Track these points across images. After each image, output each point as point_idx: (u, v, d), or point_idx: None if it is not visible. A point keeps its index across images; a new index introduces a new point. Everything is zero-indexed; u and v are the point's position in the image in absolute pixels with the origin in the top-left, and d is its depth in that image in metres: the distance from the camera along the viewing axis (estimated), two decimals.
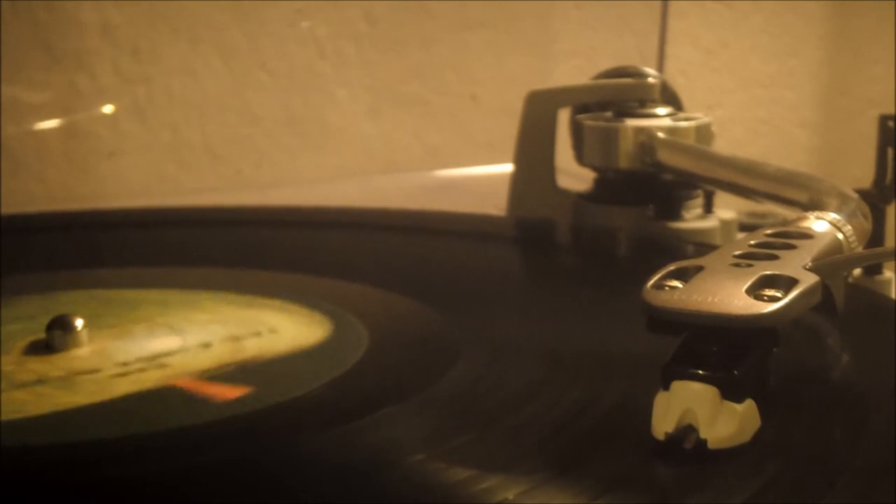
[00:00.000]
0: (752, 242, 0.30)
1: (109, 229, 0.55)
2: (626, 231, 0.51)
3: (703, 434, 0.25)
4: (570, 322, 0.38)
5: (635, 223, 0.51)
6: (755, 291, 0.27)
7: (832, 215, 0.33)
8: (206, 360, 0.34)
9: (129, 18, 0.70)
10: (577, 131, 0.53)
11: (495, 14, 0.81)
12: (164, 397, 0.31)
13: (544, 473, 0.25)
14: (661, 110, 0.51)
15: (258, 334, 0.36)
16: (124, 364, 0.34)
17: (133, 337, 0.36)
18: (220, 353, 0.35)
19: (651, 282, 0.27)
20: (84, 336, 0.35)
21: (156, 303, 0.40)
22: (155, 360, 0.34)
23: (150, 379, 0.33)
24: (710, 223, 0.51)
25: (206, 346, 0.35)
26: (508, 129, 0.55)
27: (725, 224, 0.51)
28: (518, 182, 0.55)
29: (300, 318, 0.38)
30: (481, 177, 0.77)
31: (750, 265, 0.28)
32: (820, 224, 0.32)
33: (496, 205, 0.56)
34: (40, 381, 0.33)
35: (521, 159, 0.55)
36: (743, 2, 0.93)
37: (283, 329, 0.37)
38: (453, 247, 0.50)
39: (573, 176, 0.55)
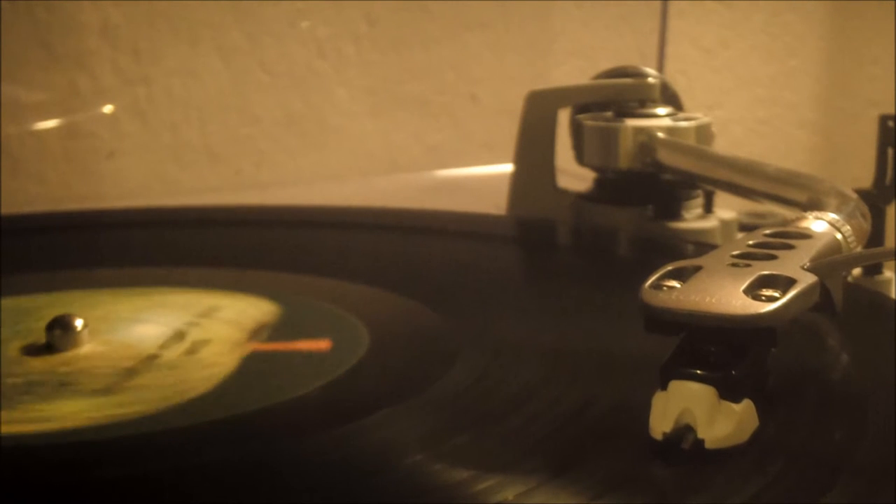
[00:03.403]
0: (750, 242, 0.30)
1: (109, 229, 0.55)
2: (626, 231, 0.51)
3: (700, 434, 0.25)
4: (570, 322, 0.38)
5: (635, 223, 0.51)
6: (753, 291, 0.27)
7: (831, 215, 0.33)
8: None
9: (129, 18, 0.70)
10: (577, 131, 0.53)
11: (495, 14, 0.81)
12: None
13: (543, 474, 0.25)
14: (661, 110, 0.51)
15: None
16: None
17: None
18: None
19: (649, 282, 0.27)
20: (84, 336, 0.35)
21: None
22: None
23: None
24: (709, 223, 0.51)
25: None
26: (508, 129, 0.55)
27: (725, 224, 0.51)
28: (518, 182, 0.55)
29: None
30: (481, 177, 0.77)
31: (748, 265, 0.28)
32: (819, 224, 0.32)
33: (496, 205, 0.56)
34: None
35: (521, 159, 0.55)
36: (743, 2, 0.93)
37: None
38: (453, 247, 0.50)
39: (573, 176, 0.55)
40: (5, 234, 0.51)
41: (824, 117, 0.99)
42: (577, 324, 0.38)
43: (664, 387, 0.26)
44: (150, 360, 0.34)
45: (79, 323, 0.35)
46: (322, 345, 0.35)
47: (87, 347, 0.35)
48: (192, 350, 0.35)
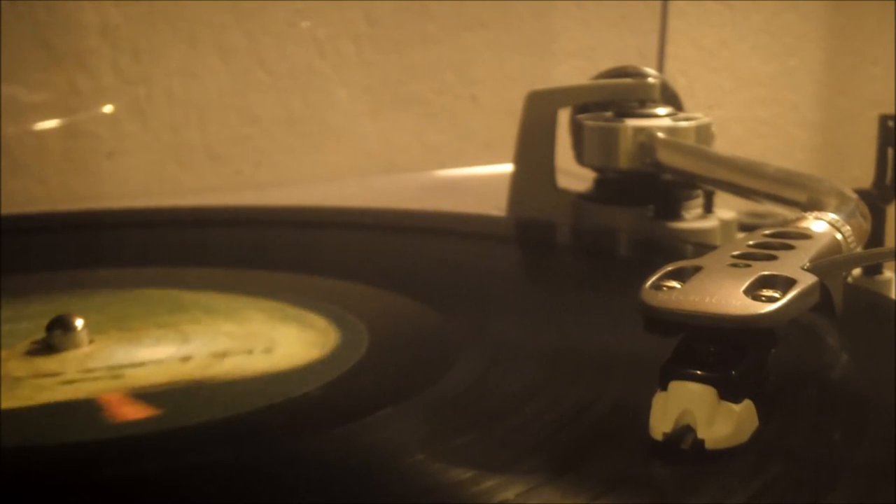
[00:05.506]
0: (750, 243, 0.30)
1: (109, 229, 0.55)
2: (626, 231, 0.51)
3: (700, 434, 0.25)
4: (570, 322, 0.38)
5: (635, 223, 0.51)
6: (753, 292, 0.27)
7: (831, 215, 0.33)
8: (164, 375, 0.33)
9: (129, 18, 0.70)
10: (577, 131, 0.53)
11: (495, 14, 0.81)
12: (74, 410, 0.31)
13: (543, 474, 0.25)
14: (661, 110, 0.51)
15: (249, 352, 0.35)
16: (87, 371, 0.33)
17: (132, 342, 0.36)
18: (188, 370, 0.34)
19: (649, 282, 0.27)
20: (84, 336, 0.35)
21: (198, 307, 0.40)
22: (117, 370, 0.34)
23: (89, 390, 0.32)
24: (710, 223, 0.51)
25: (185, 359, 0.35)
26: (508, 129, 0.55)
27: (725, 224, 0.51)
28: (518, 182, 0.55)
29: (304, 332, 0.37)
30: (481, 177, 0.77)
31: (748, 265, 0.28)
32: (818, 224, 0.32)
33: (496, 205, 0.56)
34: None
35: (521, 159, 0.55)
36: (743, 2, 0.93)
37: (280, 347, 0.36)
38: (453, 247, 0.50)
39: (573, 176, 0.55)
40: (5, 234, 0.51)
41: (824, 117, 0.99)
42: (577, 324, 0.38)
43: (664, 387, 0.26)
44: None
45: (79, 323, 0.35)
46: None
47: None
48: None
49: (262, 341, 0.36)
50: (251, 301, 0.40)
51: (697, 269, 0.28)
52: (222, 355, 0.35)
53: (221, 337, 0.37)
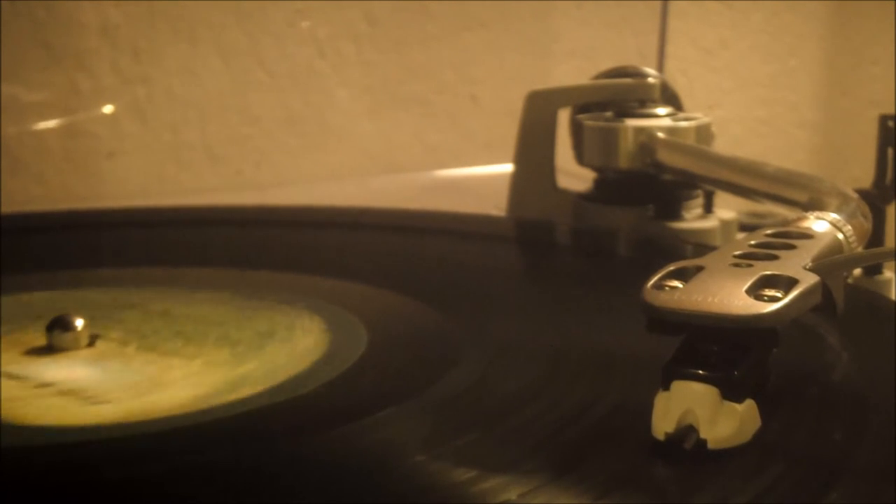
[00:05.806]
0: (752, 242, 0.30)
1: (109, 229, 0.55)
2: (626, 231, 0.51)
3: (703, 434, 0.25)
4: (571, 322, 0.38)
5: (635, 223, 0.51)
6: (755, 291, 0.27)
7: (832, 215, 0.33)
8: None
9: (129, 18, 0.70)
10: (577, 131, 0.53)
11: (495, 14, 0.81)
12: None
13: (546, 474, 0.25)
14: (661, 110, 0.51)
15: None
16: None
17: (112, 358, 0.35)
18: (24, 400, 0.32)
19: (651, 282, 0.27)
20: (84, 336, 0.35)
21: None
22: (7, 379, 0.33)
23: None
24: (710, 223, 0.51)
25: (44, 385, 0.33)
26: (508, 129, 0.55)
27: (725, 224, 0.51)
28: (518, 182, 0.55)
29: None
30: (481, 177, 0.77)
31: (750, 265, 0.28)
32: (820, 224, 0.32)
33: (496, 205, 0.56)
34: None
35: (521, 159, 0.55)
36: (743, 1, 0.93)
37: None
38: (453, 247, 0.50)
39: (573, 176, 0.55)
40: (5, 234, 0.51)
41: (824, 117, 0.99)
42: (578, 324, 0.37)
43: (666, 387, 0.26)
44: None
45: (79, 323, 0.35)
46: None
47: None
48: None
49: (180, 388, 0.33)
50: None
51: (699, 269, 0.28)
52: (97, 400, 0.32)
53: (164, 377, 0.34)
